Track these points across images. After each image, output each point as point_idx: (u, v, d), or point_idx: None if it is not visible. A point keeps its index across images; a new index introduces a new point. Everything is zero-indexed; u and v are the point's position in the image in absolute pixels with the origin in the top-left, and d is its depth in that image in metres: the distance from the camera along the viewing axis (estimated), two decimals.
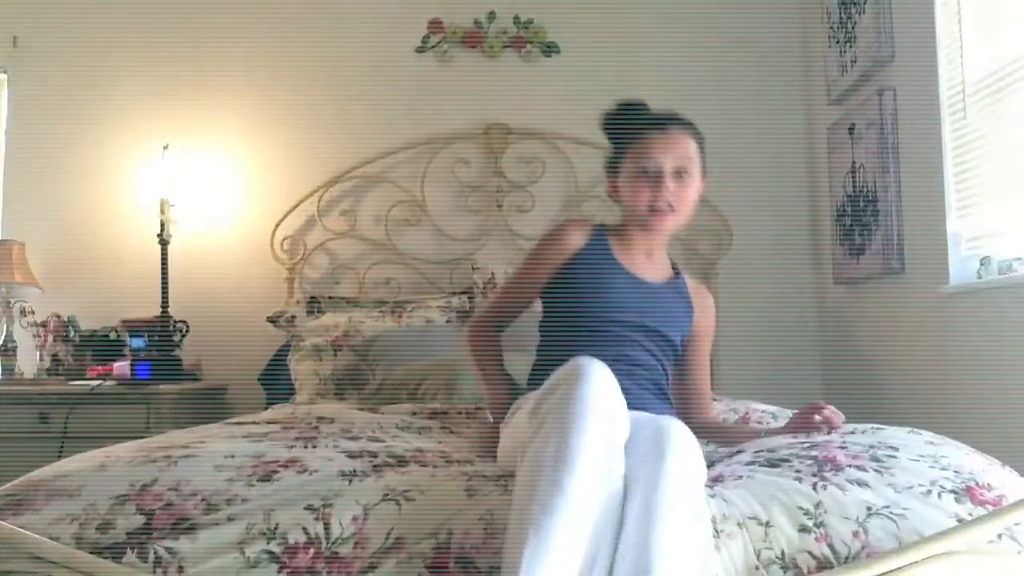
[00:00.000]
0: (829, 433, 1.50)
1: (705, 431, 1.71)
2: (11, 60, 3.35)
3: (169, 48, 3.35)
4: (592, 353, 1.53)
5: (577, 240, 1.74)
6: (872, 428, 1.54)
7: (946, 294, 2.42)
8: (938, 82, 2.47)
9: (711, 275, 3.30)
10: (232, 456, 1.31)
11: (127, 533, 1.13)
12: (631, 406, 1.49)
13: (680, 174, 1.65)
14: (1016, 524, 1.19)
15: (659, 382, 1.68)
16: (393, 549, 1.13)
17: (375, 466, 1.30)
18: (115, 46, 3.36)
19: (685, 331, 1.75)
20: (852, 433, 1.52)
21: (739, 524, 1.17)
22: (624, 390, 1.48)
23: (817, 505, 1.19)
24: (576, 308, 1.68)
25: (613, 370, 1.48)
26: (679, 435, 1.24)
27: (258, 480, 1.22)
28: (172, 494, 1.19)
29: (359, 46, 3.38)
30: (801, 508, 1.18)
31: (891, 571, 1.12)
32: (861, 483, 1.23)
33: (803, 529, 1.16)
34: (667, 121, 1.71)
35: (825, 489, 1.22)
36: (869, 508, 1.18)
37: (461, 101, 3.37)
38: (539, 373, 1.66)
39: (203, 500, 1.18)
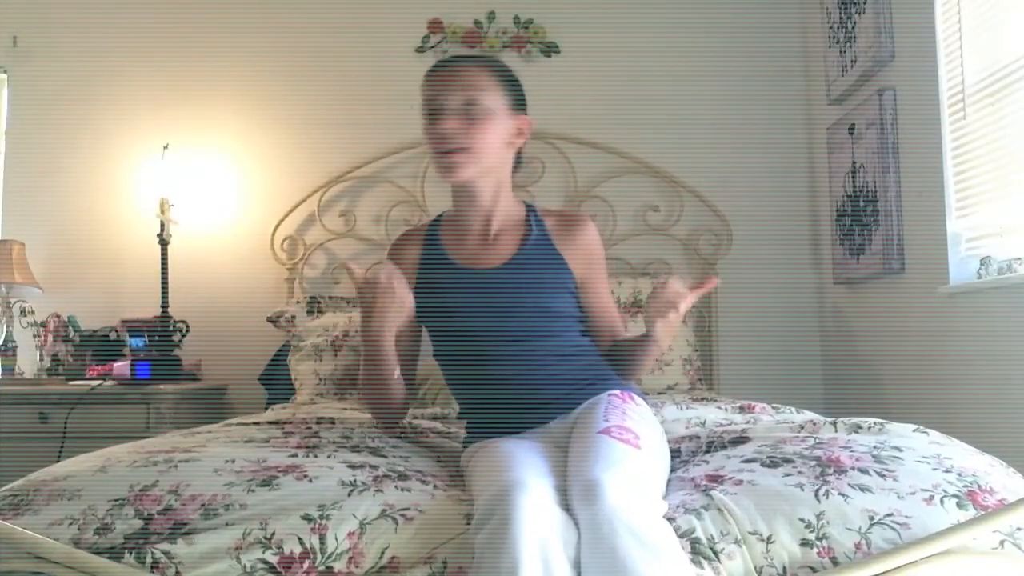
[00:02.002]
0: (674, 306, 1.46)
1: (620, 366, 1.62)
2: (11, 60, 3.35)
3: (169, 48, 3.35)
4: (483, 380, 1.51)
5: (412, 254, 1.62)
6: (876, 424, 1.54)
7: (946, 294, 2.42)
8: (938, 82, 2.47)
9: (711, 275, 3.29)
10: (232, 461, 1.31)
11: (125, 536, 1.13)
12: (554, 410, 1.47)
13: (468, 108, 1.48)
14: (1019, 529, 1.18)
15: (571, 361, 1.55)
16: (387, 569, 1.13)
17: (375, 477, 1.28)
18: (115, 46, 3.36)
19: (567, 282, 1.58)
20: (857, 431, 1.51)
21: (737, 541, 1.15)
22: (539, 406, 1.47)
23: (819, 516, 1.18)
24: (440, 334, 1.59)
25: (511, 393, 1.47)
26: (610, 495, 1.09)
27: (258, 485, 1.22)
28: (171, 497, 1.19)
29: (359, 46, 3.38)
30: (803, 520, 1.17)
31: (890, 571, 1.12)
32: (864, 488, 1.23)
33: (805, 543, 1.15)
34: (451, 59, 1.56)
35: (828, 497, 1.20)
36: (871, 517, 1.18)
37: None
38: (463, 417, 1.64)
39: (202, 504, 1.17)
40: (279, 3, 3.40)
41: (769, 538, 1.15)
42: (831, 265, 3.19)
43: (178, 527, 1.14)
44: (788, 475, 1.28)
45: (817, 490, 1.22)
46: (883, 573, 1.11)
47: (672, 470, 1.46)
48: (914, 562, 1.12)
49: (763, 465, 1.32)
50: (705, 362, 3.17)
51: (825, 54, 3.18)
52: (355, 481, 1.26)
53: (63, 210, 3.31)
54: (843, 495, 1.21)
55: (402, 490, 1.26)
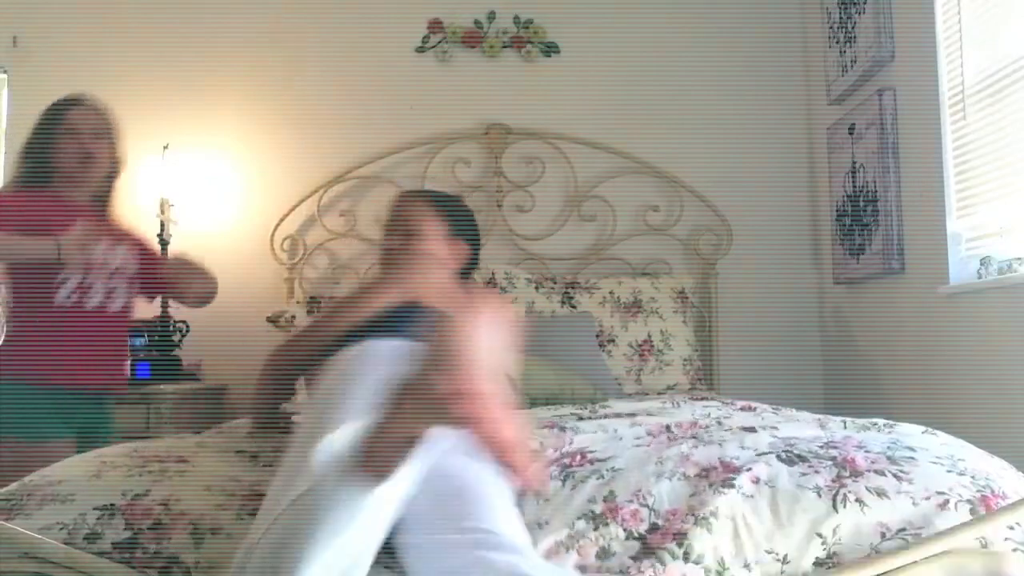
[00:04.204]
0: None
1: None
2: (11, 60, 3.35)
3: (169, 48, 3.35)
4: None
5: None
6: (886, 425, 1.53)
7: (946, 294, 2.42)
8: (938, 82, 2.47)
9: (711, 275, 3.30)
10: (224, 478, 1.30)
11: (113, 544, 1.13)
12: None
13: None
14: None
15: None
16: None
17: None
18: (115, 46, 3.35)
19: None
20: (867, 429, 1.51)
21: (747, 565, 1.14)
22: None
23: (835, 530, 1.17)
24: None
25: None
26: None
27: (247, 514, 1.21)
28: (161, 510, 1.19)
29: (359, 46, 3.38)
30: (820, 535, 1.16)
31: (891, 571, 1.12)
32: (880, 492, 1.22)
33: (818, 563, 1.15)
34: None
35: (844, 505, 1.19)
36: (883, 534, 1.17)
37: (461, 101, 3.37)
38: None
39: (190, 522, 1.17)
40: (279, 3, 3.40)
41: (785, 557, 1.15)
42: (831, 265, 3.19)
43: (164, 543, 1.13)
44: (804, 474, 1.26)
45: (835, 495, 1.21)
46: (885, 573, 1.12)
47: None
48: (915, 562, 1.12)
49: (779, 459, 1.30)
50: (705, 362, 3.16)
51: (825, 54, 3.18)
52: None
53: None
54: (860, 501, 1.20)
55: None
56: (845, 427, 1.54)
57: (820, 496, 1.21)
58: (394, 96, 3.37)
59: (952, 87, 2.43)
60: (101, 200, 2.30)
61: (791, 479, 1.25)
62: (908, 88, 2.66)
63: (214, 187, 3.33)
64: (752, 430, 1.49)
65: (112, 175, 2.30)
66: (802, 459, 1.31)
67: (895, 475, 1.26)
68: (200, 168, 3.29)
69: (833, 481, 1.24)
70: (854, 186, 2.97)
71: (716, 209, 3.30)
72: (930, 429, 1.50)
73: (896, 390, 2.78)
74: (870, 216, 2.84)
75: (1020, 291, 2.11)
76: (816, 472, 1.26)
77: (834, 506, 1.19)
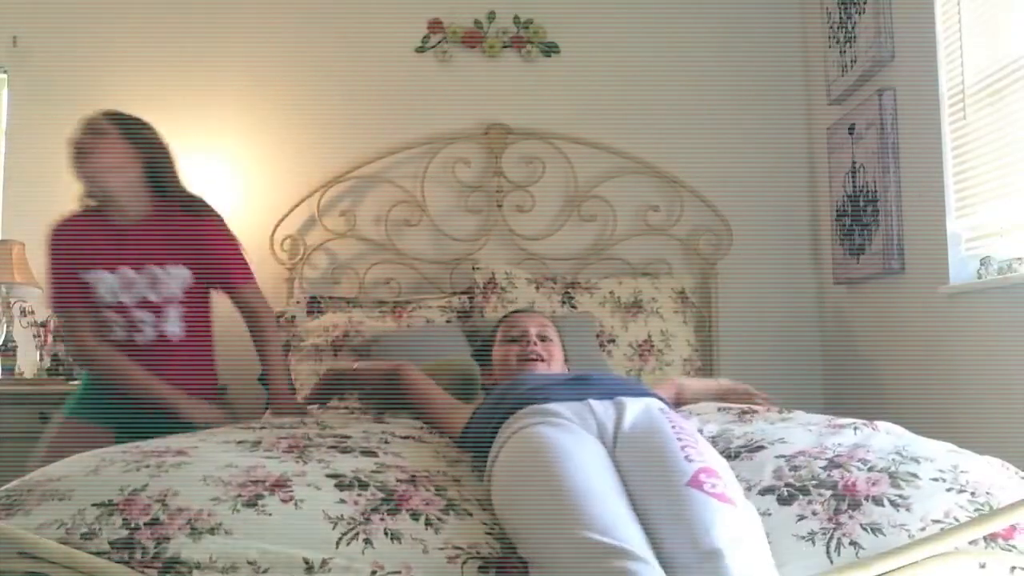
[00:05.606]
0: None
1: None
2: (11, 60, 3.35)
3: (169, 48, 3.35)
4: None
5: None
6: (892, 431, 1.53)
7: (946, 294, 2.42)
8: (938, 82, 2.47)
9: (711, 275, 3.30)
10: (221, 467, 1.30)
11: (110, 543, 1.12)
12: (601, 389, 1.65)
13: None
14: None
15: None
16: None
17: (364, 512, 1.23)
18: (115, 46, 3.35)
19: None
20: (875, 432, 1.51)
21: None
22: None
23: None
24: None
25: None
26: None
27: (243, 505, 1.20)
28: (158, 507, 1.18)
29: (359, 46, 3.38)
30: None
31: (891, 571, 1.12)
32: (876, 529, 1.22)
33: None
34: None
35: (839, 553, 1.19)
36: None
37: (461, 101, 3.37)
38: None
39: (188, 521, 1.16)
40: (279, 3, 3.40)
41: None
42: (831, 265, 3.19)
43: (162, 542, 1.13)
44: (802, 518, 1.25)
45: (829, 540, 1.21)
46: (884, 573, 1.12)
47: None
48: (915, 562, 1.12)
49: (780, 501, 1.30)
50: (705, 362, 3.16)
51: (825, 54, 3.18)
52: (342, 517, 1.21)
53: (63, 210, 3.30)
54: (855, 544, 1.20)
55: (392, 538, 1.19)
56: (855, 433, 1.52)
57: (815, 544, 1.21)
58: (394, 96, 3.37)
59: (952, 87, 2.43)
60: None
61: (788, 526, 1.24)
62: (908, 88, 2.66)
63: (214, 187, 3.32)
64: (760, 447, 1.47)
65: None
66: (804, 492, 1.30)
67: (893, 502, 1.26)
68: (200, 168, 3.29)
69: (829, 520, 1.24)
70: (854, 186, 2.97)
71: (716, 209, 3.30)
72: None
73: (896, 390, 2.78)
74: (870, 216, 2.84)
75: (1020, 291, 2.11)
76: (815, 514, 1.26)
77: (827, 555, 1.19)
